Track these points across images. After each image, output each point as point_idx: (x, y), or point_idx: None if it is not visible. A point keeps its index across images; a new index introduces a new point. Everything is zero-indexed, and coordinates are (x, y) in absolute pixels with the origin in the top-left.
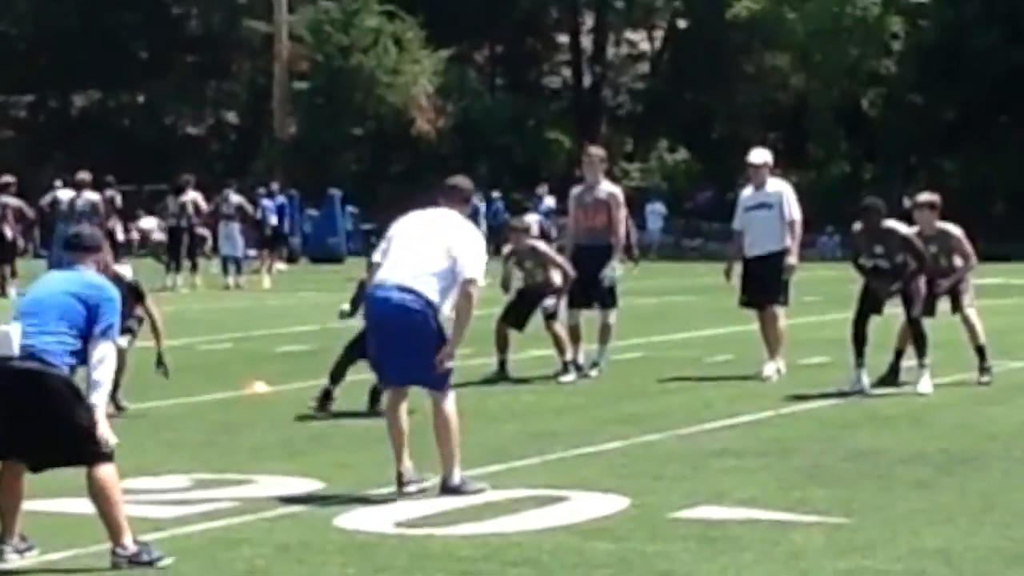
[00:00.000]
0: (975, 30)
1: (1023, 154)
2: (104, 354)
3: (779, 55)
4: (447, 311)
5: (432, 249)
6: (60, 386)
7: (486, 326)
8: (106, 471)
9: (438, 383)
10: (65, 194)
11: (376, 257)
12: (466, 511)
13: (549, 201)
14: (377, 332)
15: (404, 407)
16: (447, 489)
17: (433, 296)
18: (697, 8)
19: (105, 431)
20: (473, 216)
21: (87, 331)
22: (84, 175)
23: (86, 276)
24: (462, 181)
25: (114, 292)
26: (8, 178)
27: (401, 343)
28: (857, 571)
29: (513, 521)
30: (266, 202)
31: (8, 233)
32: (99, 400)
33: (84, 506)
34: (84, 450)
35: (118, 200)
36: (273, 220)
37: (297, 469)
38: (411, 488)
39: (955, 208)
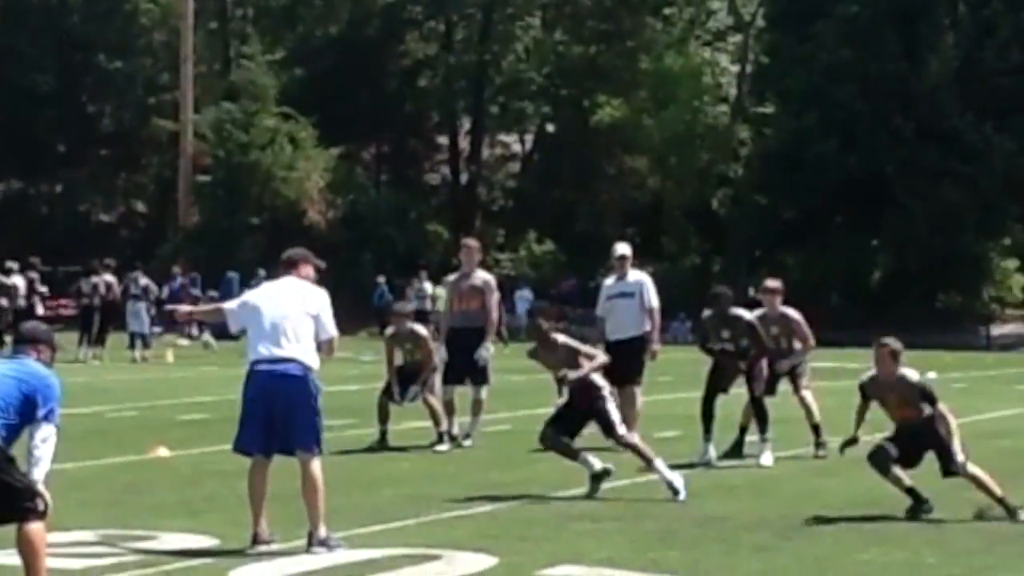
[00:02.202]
0: (814, 139)
1: (855, 251)
2: (47, 435)
3: (637, 158)
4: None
5: (298, 316)
6: None
7: (369, 400)
8: (37, 527)
9: (313, 446)
10: None
11: (230, 305)
12: (347, 566)
13: (427, 287)
14: (263, 402)
15: (267, 472)
16: (318, 543)
17: (311, 360)
18: (564, 114)
19: (45, 494)
20: None
21: (25, 413)
22: (11, 263)
23: (30, 365)
24: (301, 252)
25: (54, 380)
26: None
27: (289, 411)
28: None
29: None
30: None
31: None
32: (39, 474)
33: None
34: (17, 508)
35: (37, 281)
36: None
37: (195, 526)
38: (262, 548)
39: (794, 298)
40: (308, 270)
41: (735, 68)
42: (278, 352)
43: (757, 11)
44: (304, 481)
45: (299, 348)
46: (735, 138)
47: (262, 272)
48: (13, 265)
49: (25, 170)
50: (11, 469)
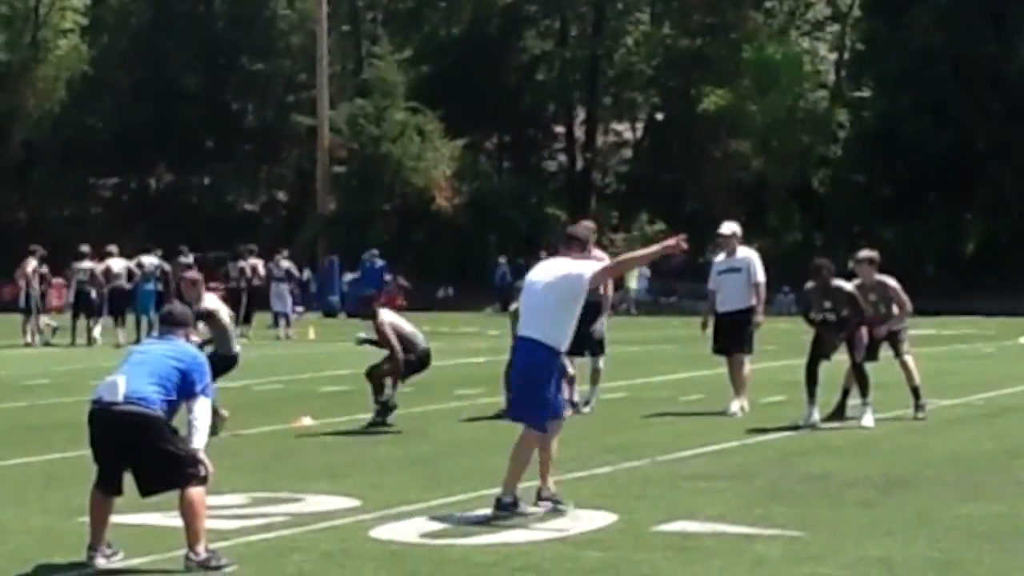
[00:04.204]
0: (908, 119)
1: (949, 224)
2: (203, 407)
3: (741, 142)
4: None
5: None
6: (160, 424)
7: (495, 371)
8: (198, 491)
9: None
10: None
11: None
12: (481, 526)
13: None
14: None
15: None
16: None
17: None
18: (672, 103)
19: (206, 461)
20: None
21: (182, 389)
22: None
23: (182, 346)
24: (578, 230)
25: (204, 358)
26: (111, 247)
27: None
28: None
29: (520, 533)
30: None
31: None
32: (199, 442)
33: (156, 519)
34: (181, 474)
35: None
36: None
37: (338, 489)
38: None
39: (892, 270)
40: (575, 249)
41: (833, 55)
42: (524, 332)
43: (854, 1)
44: (519, 443)
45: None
46: (834, 121)
47: (375, 251)
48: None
49: (176, 164)
50: (175, 439)
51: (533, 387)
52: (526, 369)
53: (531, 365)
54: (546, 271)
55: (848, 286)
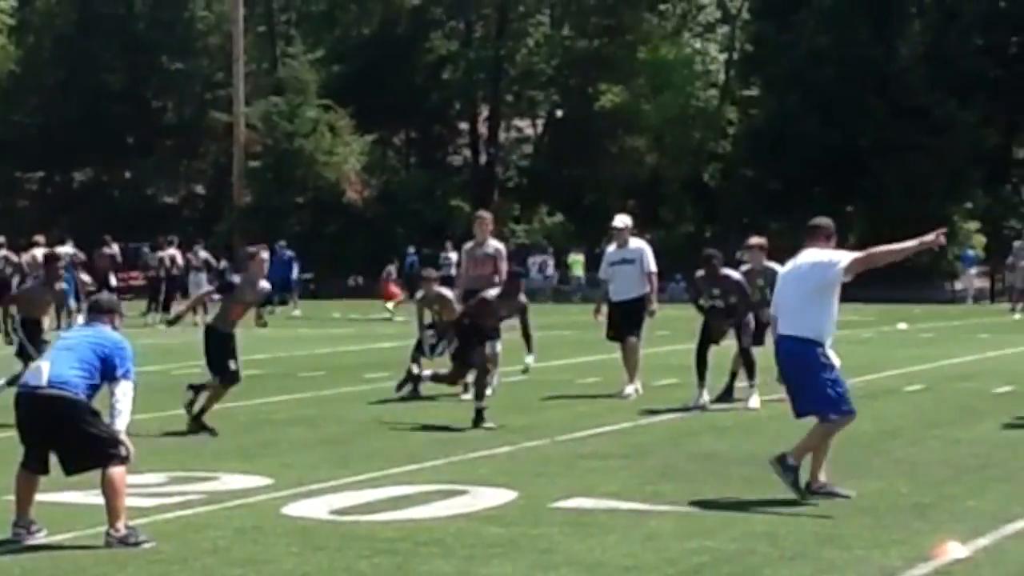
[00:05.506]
0: (795, 118)
1: (834, 217)
2: (125, 390)
3: (637, 138)
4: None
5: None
6: (82, 407)
7: (402, 355)
8: (119, 471)
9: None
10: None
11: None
12: (386, 502)
13: (452, 256)
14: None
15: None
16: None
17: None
18: (571, 101)
19: (127, 442)
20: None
21: (104, 373)
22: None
23: (105, 332)
24: (823, 220)
25: (127, 343)
26: (38, 237)
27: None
28: (700, 550)
29: (424, 510)
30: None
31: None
32: (121, 424)
33: (77, 498)
34: (103, 454)
35: (118, 255)
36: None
37: (252, 468)
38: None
39: (780, 260)
40: (821, 240)
41: (723, 56)
42: None
43: (743, 4)
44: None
45: None
46: (724, 118)
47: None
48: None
49: (100, 159)
50: (97, 421)
51: (810, 380)
52: (794, 370)
53: (797, 366)
54: (797, 264)
55: (736, 275)
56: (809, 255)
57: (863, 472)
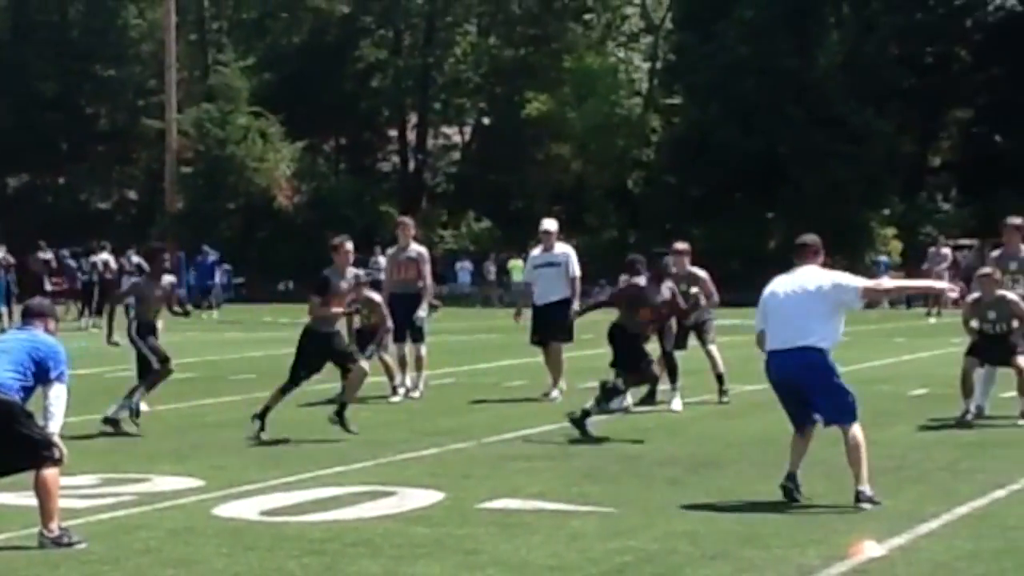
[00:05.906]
0: (717, 126)
1: (754, 223)
2: (59, 393)
3: (562, 146)
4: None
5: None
6: (16, 409)
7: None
8: (52, 473)
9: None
10: None
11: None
12: (315, 503)
13: (382, 260)
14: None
15: None
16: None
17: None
18: (498, 109)
19: (60, 444)
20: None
21: (38, 375)
22: None
23: (39, 336)
24: (813, 238)
25: (61, 347)
26: None
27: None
28: (623, 550)
29: (352, 511)
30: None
31: None
32: (55, 426)
33: (10, 499)
34: (36, 456)
35: (52, 260)
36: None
37: (183, 470)
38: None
39: (701, 264)
40: (810, 256)
41: (647, 65)
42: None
43: (666, 15)
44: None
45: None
46: (648, 126)
47: (206, 247)
48: None
49: (33, 165)
50: (30, 423)
51: (836, 387)
52: (816, 378)
53: (819, 374)
54: (800, 282)
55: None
56: (813, 274)
57: (782, 472)
